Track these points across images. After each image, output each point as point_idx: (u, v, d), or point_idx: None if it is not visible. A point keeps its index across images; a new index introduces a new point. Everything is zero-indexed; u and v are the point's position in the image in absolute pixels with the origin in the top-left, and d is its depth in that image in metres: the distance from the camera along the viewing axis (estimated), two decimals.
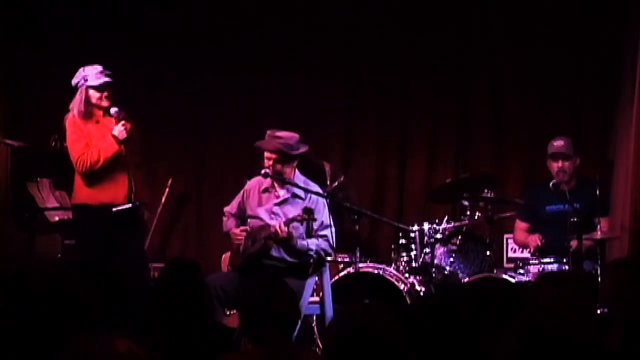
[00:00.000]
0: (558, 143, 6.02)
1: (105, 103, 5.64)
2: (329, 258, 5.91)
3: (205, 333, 3.63)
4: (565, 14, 7.00)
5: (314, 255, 5.47)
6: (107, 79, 5.63)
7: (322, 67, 7.45)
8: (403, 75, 7.38)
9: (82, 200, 5.64)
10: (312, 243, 5.45)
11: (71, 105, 5.67)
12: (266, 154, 5.51)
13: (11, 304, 2.20)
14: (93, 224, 5.58)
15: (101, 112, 5.68)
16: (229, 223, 5.69)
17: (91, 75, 5.62)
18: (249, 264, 5.47)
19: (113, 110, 5.63)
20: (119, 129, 5.59)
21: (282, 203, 5.58)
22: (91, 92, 5.62)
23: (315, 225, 5.45)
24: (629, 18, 6.16)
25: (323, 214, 5.53)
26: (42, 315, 2.18)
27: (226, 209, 5.76)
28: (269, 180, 5.58)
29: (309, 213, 5.29)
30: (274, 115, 7.14)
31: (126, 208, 5.60)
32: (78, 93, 5.63)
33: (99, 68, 5.66)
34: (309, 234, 5.50)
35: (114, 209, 5.59)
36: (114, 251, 5.62)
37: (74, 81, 5.65)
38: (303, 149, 5.55)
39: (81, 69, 5.66)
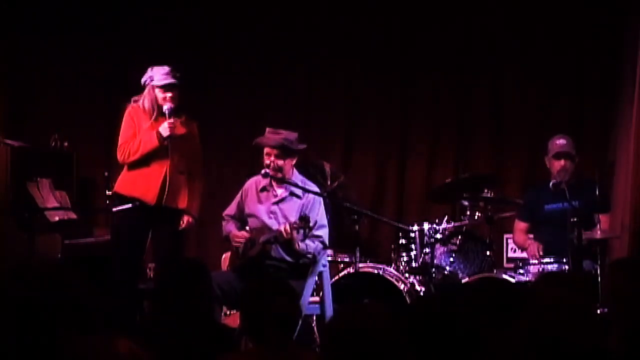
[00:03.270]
0: (561, 142, 6.02)
1: (169, 104, 5.67)
2: (329, 258, 5.93)
3: (205, 333, 3.63)
4: (566, 14, 7.00)
5: (311, 258, 5.52)
6: (172, 80, 5.66)
7: (322, 67, 7.45)
8: (403, 75, 7.39)
9: (118, 188, 5.78)
10: (310, 247, 5.49)
11: (136, 98, 5.76)
12: (266, 150, 5.52)
13: (11, 303, 2.19)
14: (122, 214, 5.66)
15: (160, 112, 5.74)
16: (228, 226, 5.70)
17: (157, 75, 5.68)
18: (247, 266, 5.49)
19: (166, 106, 5.66)
20: (164, 126, 5.63)
21: (281, 202, 5.60)
22: (156, 91, 5.69)
23: (311, 223, 5.46)
24: (629, 18, 6.16)
25: (319, 213, 5.55)
26: (41, 315, 2.18)
27: (225, 212, 5.78)
28: (267, 179, 5.59)
29: (305, 221, 5.31)
30: (274, 115, 7.12)
31: (125, 208, 5.62)
32: (146, 91, 5.72)
33: (167, 69, 5.69)
34: (305, 237, 5.52)
35: (113, 209, 5.64)
36: (137, 245, 5.69)
37: (142, 79, 5.73)
38: (302, 146, 5.59)
39: (149, 68, 5.73)
